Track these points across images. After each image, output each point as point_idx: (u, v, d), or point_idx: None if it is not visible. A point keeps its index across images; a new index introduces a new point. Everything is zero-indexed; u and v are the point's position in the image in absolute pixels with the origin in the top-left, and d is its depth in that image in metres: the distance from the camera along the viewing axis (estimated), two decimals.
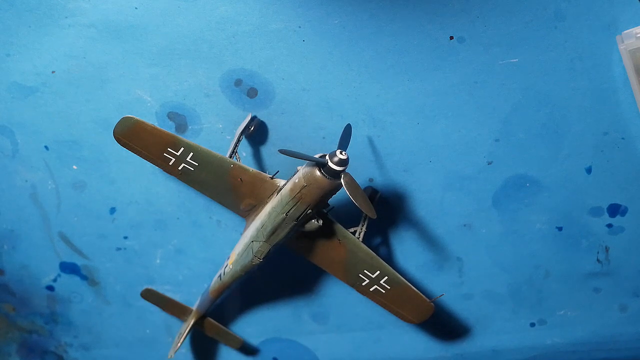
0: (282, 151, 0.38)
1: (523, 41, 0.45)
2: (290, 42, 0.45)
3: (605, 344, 0.56)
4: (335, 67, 0.46)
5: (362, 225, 0.46)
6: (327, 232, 0.45)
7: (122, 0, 0.44)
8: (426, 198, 0.51)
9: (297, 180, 0.40)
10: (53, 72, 0.47)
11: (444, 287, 0.54)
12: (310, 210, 0.41)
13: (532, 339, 0.56)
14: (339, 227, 0.45)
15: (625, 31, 0.43)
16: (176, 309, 0.55)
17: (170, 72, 0.46)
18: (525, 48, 0.45)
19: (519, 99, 0.47)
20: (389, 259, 0.53)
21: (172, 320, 0.57)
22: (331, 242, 0.45)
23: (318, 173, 0.39)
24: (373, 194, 0.49)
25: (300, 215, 0.41)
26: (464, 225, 0.52)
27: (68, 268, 0.57)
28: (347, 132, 0.41)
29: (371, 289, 0.46)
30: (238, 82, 0.46)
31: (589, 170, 0.49)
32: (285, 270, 0.55)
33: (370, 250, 0.45)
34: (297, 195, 0.40)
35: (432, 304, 0.47)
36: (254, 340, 0.59)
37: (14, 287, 0.59)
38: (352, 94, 0.47)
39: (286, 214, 0.41)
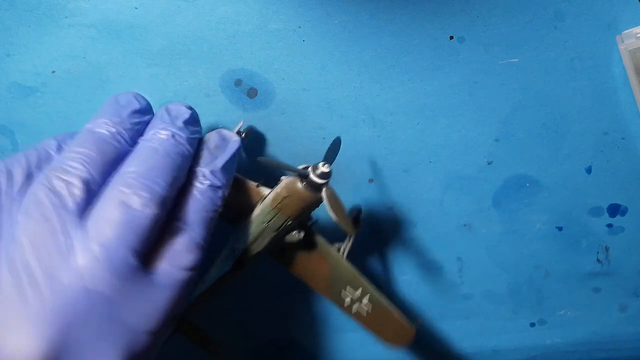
0: (261, 160, 0.38)
1: (523, 41, 0.45)
2: (290, 42, 0.45)
3: (605, 344, 0.56)
4: (335, 67, 0.46)
5: (348, 242, 0.45)
6: (309, 245, 0.44)
7: (122, 0, 0.44)
8: (426, 198, 0.51)
9: (279, 190, 0.39)
10: (53, 72, 0.47)
11: (444, 287, 0.54)
12: (290, 222, 0.40)
13: (532, 339, 0.56)
14: (322, 242, 0.44)
15: (625, 31, 0.43)
16: None
17: (170, 72, 0.46)
18: (525, 48, 0.45)
19: (519, 99, 0.47)
20: (389, 258, 0.53)
21: None
22: (314, 256, 0.44)
23: (299, 184, 0.38)
24: (357, 213, 0.47)
25: (280, 226, 0.40)
26: (464, 225, 0.52)
27: None
28: (335, 145, 0.40)
29: (354, 310, 0.45)
30: (238, 82, 0.46)
31: (589, 170, 0.49)
32: (285, 271, 0.55)
33: (353, 268, 0.44)
34: (278, 206, 0.39)
35: (413, 328, 0.46)
36: (254, 341, 0.59)
37: None
38: (352, 94, 0.47)
39: (267, 224, 0.40)
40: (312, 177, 0.37)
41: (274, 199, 0.39)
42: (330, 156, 0.39)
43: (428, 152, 0.49)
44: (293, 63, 0.46)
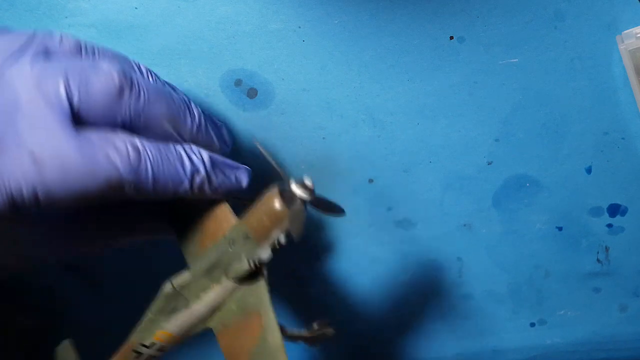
0: (257, 143, 0.37)
1: (523, 41, 0.45)
2: (290, 42, 0.45)
3: (605, 344, 0.56)
4: (335, 67, 0.46)
5: (302, 334, 0.37)
6: (252, 296, 0.37)
7: (122, 0, 0.44)
8: (426, 198, 0.51)
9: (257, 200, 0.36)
10: None
11: (444, 287, 0.54)
12: (248, 235, 0.36)
13: (532, 339, 0.56)
14: (266, 298, 0.37)
15: (626, 31, 0.43)
16: None
17: (170, 72, 0.46)
18: (525, 48, 0.45)
19: (519, 99, 0.47)
20: (389, 258, 0.53)
21: None
22: (251, 315, 0.37)
23: (275, 192, 0.35)
24: (327, 332, 0.38)
25: (236, 238, 0.36)
26: (464, 225, 0.52)
27: (68, 270, 0.57)
28: (334, 207, 0.37)
29: None
30: (238, 82, 0.46)
31: (589, 170, 0.49)
32: (285, 268, 0.55)
33: (283, 344, 0.36)
34: (247, 214, 0.36)
35: None
36: None
37: (14, 288, 0.59)
38: (352, 94, 0.47)
39: (226, 235, 0.37)
40: (292, 185, 0.34)
41: (248, 209, 0.37)
42: (325, 203, 0.36)
43: (428, 152, 0.49)
44: (293, 63, 0.46)
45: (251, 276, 0.37)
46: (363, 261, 0.54)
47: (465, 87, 0.46)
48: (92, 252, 0.41)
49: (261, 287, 0.37)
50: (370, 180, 0.50)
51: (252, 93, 0.47)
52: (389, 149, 0.49)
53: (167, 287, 0.38)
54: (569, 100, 0.47)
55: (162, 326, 0.39)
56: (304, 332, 0.37)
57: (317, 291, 0.56)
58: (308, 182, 0.34)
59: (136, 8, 0.44)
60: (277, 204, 0.34)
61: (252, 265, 0.36)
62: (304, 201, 0.34)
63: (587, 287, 0.54)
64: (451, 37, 0.45)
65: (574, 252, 0.52)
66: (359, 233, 0.52)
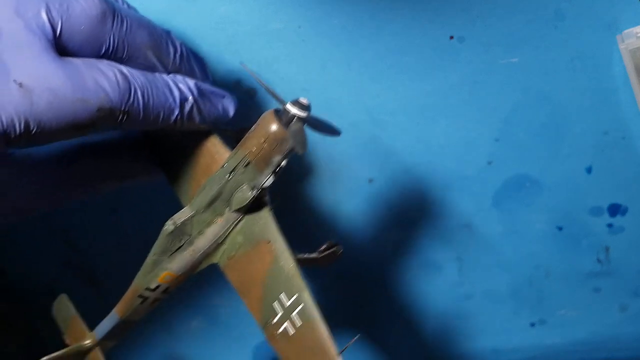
0: (244, 66, 0.37)
1: (523, 41, 0.45)
2: (290, 42, 0.45)
3: (605, 344, 0.56)
4: (335, 67, 0.46)
5: (311, 256, 0.37)
6: (258, 224, 0.36)
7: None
8: (426, 198, 0.51)
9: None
10: None
11: (444, 287, 0.54)
12: (248, 162, 0.34)
13: (532, 339, 0.56)
14: (273, 225, 0.36)
15: (626, 30, 0.43)
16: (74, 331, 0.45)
17: None
18: (525, 48, 0.45)
19: (519, 98, 0.47)
20: (389, 259, 0.53)
21: (173, 320, 0.57)
22: (259, 244, 0.36)
23: (271, 114, 0.34)
24: (336, 249, 0.38)
25: (235, 166, 0.35)
26: (464, 225, 0.52)
27: (68, 268, 0.57)
28: (330, 128, 0.35)
29: (280, 330, 0.35)
30: (238, 82, 0.46)
31: (589, 170, 0.49)
32: None
33: (297, 267, 0.35)
34: (243, 141, 0.35)
35: (338, 357, 0.34)
36: (252, 341, 0.59)
37: (14, 287, 0.59)
38: (352, 94, 0.47)
39: (224, 165, 0.35)
40: (288, 105, 0.33)
41: (244, 136, 0.35)
42: (319, 118, 0.34)
43: (428, 152, 0.49)
44: (293, 63, 0.46)
45: (255, 205, 0.36)
46: (362, 261, 0.54)
47: (465, 86, 0.46)
48: (81, 198, 0.41)
49: (266, 214, 0.36)
50: (370, 180, 0.50)
51: (252, 93, 0.47)
52: (389, 149, 0.49)
53: (168, 226, 0.37)
54: (569, 100, 0.47)
55: (166, 267, 0.38)
56: (313, 255, 0.36)
57: (315, 291, 0.56)
58: (303, 100, 0.33)
59: (136, 8, 0.44)
60: (275, 125, 0.33)
61: (255, 193, 0.35)
62: (301, 119, 0.33)
63: (587, 287, 0.54)
64: (451, 37, 0.45)
65: (574, 252, 0.52)
66: (359, 233, 0.52)
